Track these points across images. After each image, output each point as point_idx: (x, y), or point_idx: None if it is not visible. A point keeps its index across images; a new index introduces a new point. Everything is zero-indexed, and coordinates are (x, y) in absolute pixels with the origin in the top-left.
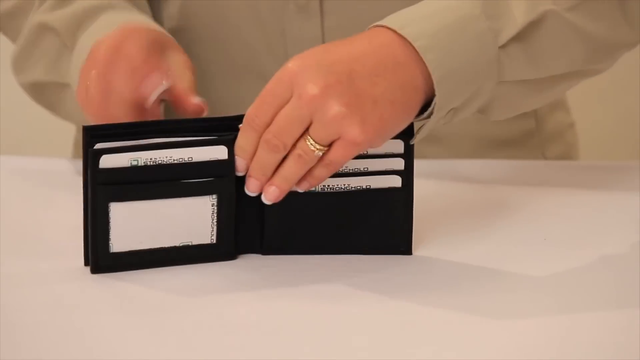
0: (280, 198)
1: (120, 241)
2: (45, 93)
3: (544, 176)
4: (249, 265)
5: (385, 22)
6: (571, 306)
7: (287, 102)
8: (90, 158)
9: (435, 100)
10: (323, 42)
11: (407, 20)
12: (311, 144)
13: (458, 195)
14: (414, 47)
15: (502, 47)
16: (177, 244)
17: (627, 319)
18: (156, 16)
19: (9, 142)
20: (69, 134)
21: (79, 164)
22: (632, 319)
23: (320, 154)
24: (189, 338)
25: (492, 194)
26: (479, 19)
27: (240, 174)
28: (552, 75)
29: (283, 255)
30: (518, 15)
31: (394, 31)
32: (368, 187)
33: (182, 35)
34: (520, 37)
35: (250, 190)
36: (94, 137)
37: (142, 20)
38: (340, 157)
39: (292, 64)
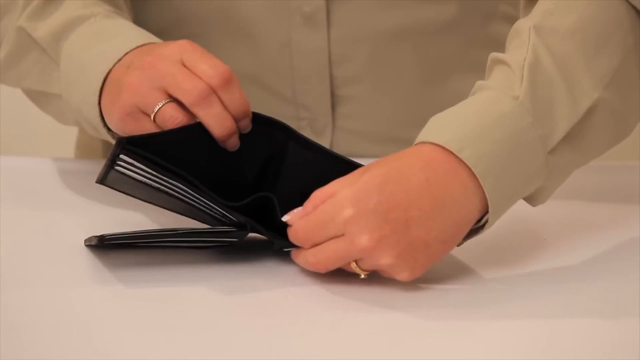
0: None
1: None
2: (32, 95)
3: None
4: (248, 264)
5: (440, 137)
6: (571, 306)
7: (337, 236)
8: (97, 241)
9: (488, 220)
10: (329, 53)
11: (463, 136)
12: (355, 268)
13: None
14: (471, 170)
15: (551, 151)
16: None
17: (627, 319)
18: (145, 18)
19: (9, 142)
20: (72, 135)
21: (81, 164)
22: (633, 318)
23: (363, 276)
24: (189, 338)
25: None
26: (530, 129)
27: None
28: (596, 157)
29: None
30: (564, 115)
31: (451, 152)
32: None
33: None
34: (567, 136)
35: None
36: (124, 149)
37: (133, 30)
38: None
39: (348, 210)
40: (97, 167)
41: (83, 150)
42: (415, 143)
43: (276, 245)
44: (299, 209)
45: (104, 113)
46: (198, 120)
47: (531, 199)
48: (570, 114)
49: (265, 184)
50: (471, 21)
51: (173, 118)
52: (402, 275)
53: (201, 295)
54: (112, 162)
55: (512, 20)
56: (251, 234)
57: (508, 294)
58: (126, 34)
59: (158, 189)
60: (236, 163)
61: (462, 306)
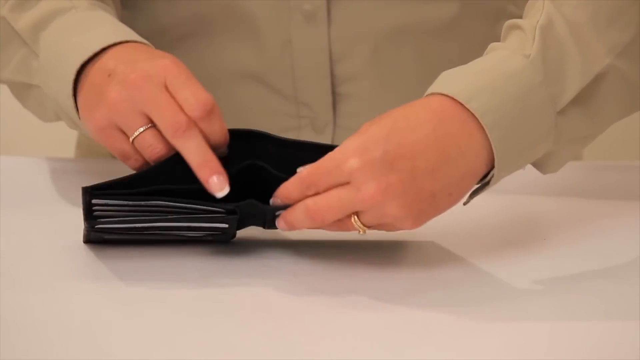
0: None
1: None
2: (13, 89)
3: (544, 176)
4: (248, 264)
5: (450, 89)
6: (571, 306)
7: (342, 184)
8: (87, 224)
9: (494, 175)
10: (330, 51)
11: (473, 89)
12: (356, 222)
13: None
14: (479, 121)
15: (560, 112)
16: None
17: (628, 319)
18: (147, 16)
19: (9, 142)
20: (72, 135)
21: (81, 164)
22: (633, 318)
23: (361, 232)
24: (189, 338)
25: (491, 194)
26: (540, 88)
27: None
28: (606, 127)
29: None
30: (574, 76)
31: (460, 103)
32: None
33: (187, 41)
34: (577, 99)
35: (279, 226)
36: (92, 195)
37: (112, 24)
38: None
39: (355, 158)
40: (98, 166)
41: (83, 150)
42: (424, 95)
43: (269, 221)
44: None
45: (80, 113)
46: (173, 153)
47: (541, 166)
48: (581, 75)
49: (251, 194)
50: (473, 20)
51: (152, 147)
52: (406, 224)
53: (200, 295)
54: (88, 212)
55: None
56: (249, 234)
57: (508, 294)
58: (104, 27)
59: (144, 219)
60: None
61: (462, 306)
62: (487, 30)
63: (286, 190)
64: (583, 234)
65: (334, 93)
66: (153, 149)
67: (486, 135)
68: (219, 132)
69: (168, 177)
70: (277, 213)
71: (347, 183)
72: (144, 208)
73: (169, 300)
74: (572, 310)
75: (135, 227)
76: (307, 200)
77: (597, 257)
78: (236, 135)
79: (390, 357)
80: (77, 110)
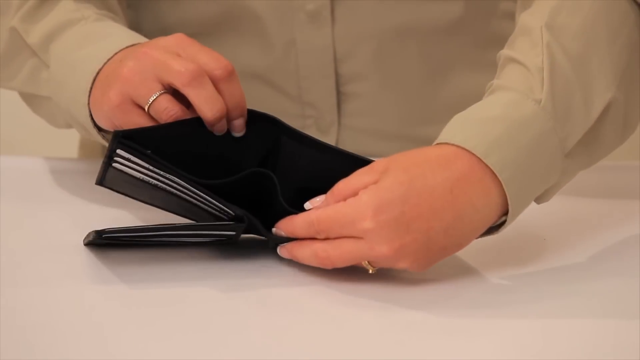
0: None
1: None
2: (25, 98)
3: None
4: (248, 264)
5: (466, 140)
6: (572, 306)
7: (353, 237)
8: (95, 235)
9: (505, 223)
10: (334, 50)
11: (489, 141)
12: (366, 265)
13: None
14: (495, 176)
15: (567, 154)
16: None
17: (628, 319)
18: (150, 17)
19: (10, 142)
20: (73, 135)
21: (81, 164)
22: (633, 318)
23: (370, 271)
24: (189, 337)
25: None
26: (551, 134)
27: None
28: (601, 159)
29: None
30: (581, 118)
31: (476, 156)
32: None
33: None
34: (581, 139)
35: (281, 254)
36: (120, 143)
37: (123, 31)
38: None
39: (370, 220)
40: (98, 167)
41: (86, 150)
42: (437, 142)
43: (271, 242)
44: (321, 197)
45: (92, 110)
46: (193, 117)
47: (538, 199)
48: (586, 115)
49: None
50: (477, 20)
51: (167, 110)
52: (413, 270)
53: (200, 295)
54: (109, 159)
55: None
56: (249, 234)
57: (509, 295)
58: (116, 35)
59: (156, 186)
60: (233, 162)
61: (463, 307)
62: (490, 29)
63: (292, 227)
64: (583, 234)
65: (338, 92)
66: (169, 112)
67: (502, 189)
68: (238, 95)
69: (189, 144)
70: (280, 245)
71: (360, 238)
72: (160, 179)
73: (169, 300)
74: (572, 310)
75: (141, 236)
76: (315, 246)
77: (597, 257)
78: (256, 117)
79: (390, 357)
80: (92, 117)
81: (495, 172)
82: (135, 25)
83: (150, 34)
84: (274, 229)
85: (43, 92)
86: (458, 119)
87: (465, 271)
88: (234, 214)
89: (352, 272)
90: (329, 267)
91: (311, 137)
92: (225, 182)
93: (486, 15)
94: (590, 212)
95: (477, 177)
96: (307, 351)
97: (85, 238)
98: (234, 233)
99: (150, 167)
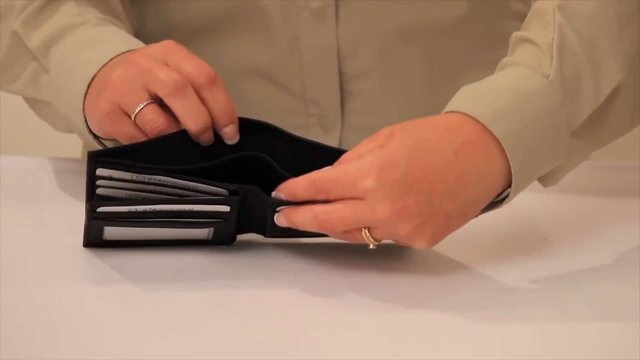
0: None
1: (113, 235)
2: (28, 102)
3: None
4: (248, 264)
5: (473, 108)
6: (571, 306)
7: (355, 198)
8: (88, 205)
9: (509, 196)
10: (338, 48)
11: (495, 109)
12: (367, 236)
13: None
14: (500, 144)
15: (573, 133)
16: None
17: (628, 320)
18: (155, 15)
19: (10, 142)
20: (73, 135)
21: (81, 164)
22: (633, 319)
23: (372, 246)
24: (189, 337)
25: None
26: (559, 109)
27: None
28: (608, 144)
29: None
30: (589, 97)
31: (482, 124)
32: None
33: (196, 39)
34: (589, 119)
35: (278, 221)
36: (97, 162)
37: (121, 36)
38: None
39: (373, 178)
40: None
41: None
42: (445, 111)
43: (270, 214)
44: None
45: (87, 116)
46: (178, 130)
47: (544, 180)
48: (595, 95)
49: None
50: (482, 19)
51: (153, 121)
52: (419, 245)
53: (200, 295)
54: (91, 184)
55: (523, 18)
56: (248, 235)
57: (509, 295)
58: (114, 40)
59: (144, 198)
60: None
61: (462, 306)
62: (495, 29)
63: (293, 187)
64: (583, 234)
65: (342, 91)
66: (154, 123)
67: (506, 158)
68: (223, 101)
69: (170, 153)
70: (278, 209)
71: (362, 199)
72: (147, 187)
73: (169, 300)
74: (572, 311)
75: (136, 212)
76: (315, 208)
77: (597, 257)
78: (248, 126)
79: (390, 357)
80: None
81: (499, 139)
82: (139, 23)
83: (154, 31)
84: (274, 192)
85: (43, 97)
86: (466, 90)
87: (464, 271)
88: (228, 192)
89: (352, 272)
90: (328, 231)
91: (299, 137)
92: (216, 166)
93: (492, 15)
94: (590, 211)
95: (481, 145)
96: (307, 351)
97: (84, 239)
98: (228, 209)
99: (134, 178)
